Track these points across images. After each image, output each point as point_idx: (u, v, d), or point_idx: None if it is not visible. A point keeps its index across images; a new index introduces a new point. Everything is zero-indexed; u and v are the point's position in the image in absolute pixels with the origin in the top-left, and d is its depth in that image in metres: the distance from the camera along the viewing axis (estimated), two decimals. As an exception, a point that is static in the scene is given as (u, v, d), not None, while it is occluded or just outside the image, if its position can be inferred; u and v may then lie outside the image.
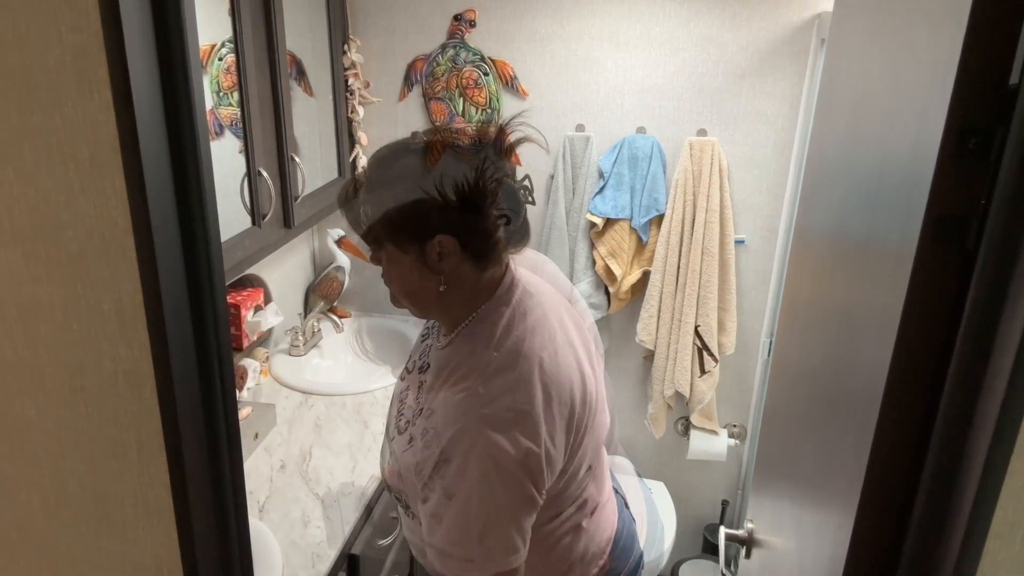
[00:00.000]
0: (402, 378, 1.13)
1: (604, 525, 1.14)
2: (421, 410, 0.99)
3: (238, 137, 1.50)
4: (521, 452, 0.88)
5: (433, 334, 1.09)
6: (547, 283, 1.09)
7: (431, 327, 1.13)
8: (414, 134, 0.97)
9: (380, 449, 1.13)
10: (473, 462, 0.87)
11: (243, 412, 1.65)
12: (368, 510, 1.48)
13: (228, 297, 1.79)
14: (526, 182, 0.97)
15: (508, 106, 2.20)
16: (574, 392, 0.95)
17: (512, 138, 0.94)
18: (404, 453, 0.98)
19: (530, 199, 0.97)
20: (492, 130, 0.94)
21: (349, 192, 0.97)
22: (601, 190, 2.14)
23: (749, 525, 1.27)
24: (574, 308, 1.12)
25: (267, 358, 2.03)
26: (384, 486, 1.10)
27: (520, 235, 0.99)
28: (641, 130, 2.14)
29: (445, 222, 0.91)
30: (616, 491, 1.24)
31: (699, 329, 2.13)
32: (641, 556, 1.24)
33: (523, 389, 0.90)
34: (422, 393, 1.02)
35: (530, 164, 2.24)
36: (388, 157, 0.96)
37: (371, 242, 0.97)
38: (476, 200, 0.90)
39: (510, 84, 2.17)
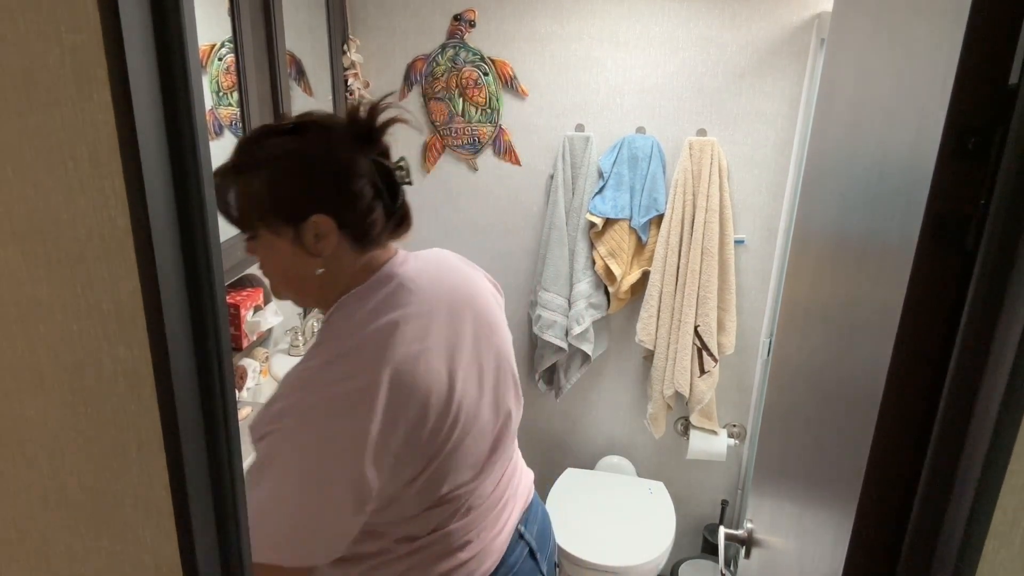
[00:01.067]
0: None
1: (482, 566, 1.04)
2: None
3: (238, 137, 1.50)
4: (346, 438, 0.83)
5: None
6: (460, 285, 1.03)
7: None
8: (283, 115, 0.95)
9: None
10: (288, 442, 0.83)
11: (243, 412, 1.65)
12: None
13: (228, 297, 1.79)
14: (401, 163, 0.95)
15: (508, 106, 2.20)
16: (430, 400, 0.89)
17: (382, 118, 0.93)
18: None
19: (407, 180, 0.95)
20: (363, 111, 0.92)
21: (215, 179, 0.92)
22: (601, 190, 2.14)
23: (749, 525, 1.27)
24: (494, 325, 1.06)
25: (267, 358, 2.03)
26: None
27: (400, 218, 0.97)
28: (641, 130, 2.14)
29: (319, 202, 0.89)
30: (531, 548, 1.13)
31: (699, 329, 2.13)
32: None
33: (364, 376, 0.85)
34: None
35: (530, 164, 2.24)
36: (255, 138, 0.93)
37: (245, 228, 0.94)
38: (350, 176, 0.89)
39: (510, 84, 2.17)
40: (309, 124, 0.92)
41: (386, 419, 0.85)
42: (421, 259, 1.02)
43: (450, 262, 1.07)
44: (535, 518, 1.18)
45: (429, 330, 0.92)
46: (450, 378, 0.92)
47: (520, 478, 1.17)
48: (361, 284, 0.94)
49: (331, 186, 0.90)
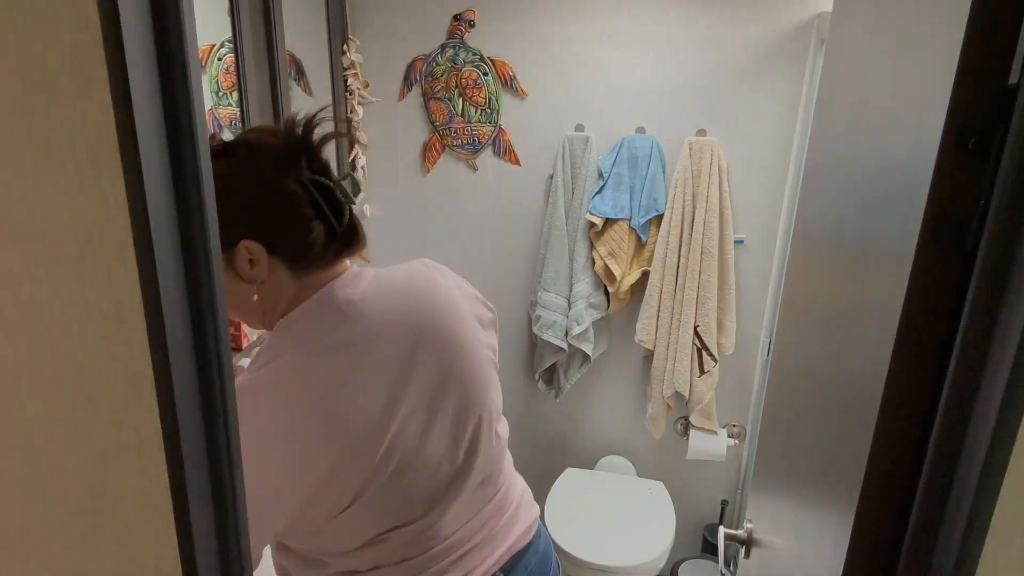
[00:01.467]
0: None
1: None
2: None
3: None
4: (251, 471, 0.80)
5: None
6: (422, 308, 0.94)
7: None
8: (212, 136, 0.89)
9: None
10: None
11: (243, 412, 1.65)
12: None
13: (228, 297, 1.79)
14: (345, 180, 0.90)
15: (508, 106, 2.20)
16: (350, 436, 0.83)
17: (317, 133, 0.88)
18: None
19: (349, 199, 0.89)
20: (298, 128, 0.87)
21: None
22: (600, 190, 2.14)
23: (748, 525, 1.27)
24: (463, 354, 0.96)
25: (267, 358, 2.03)
26: None
27: (348, 237, 0.91)
28: (640, 130, 2.14)
29: (246, 227, 0.84)
30: None
31: (698, 329, 2.13)
32: None
33: (272, 411, 0.81)
34: None
35: (529, 164, 2.24)
36: None
37: None
38: (278, 198, 0.85)
39: (509, 84, 2.17)
40: (238, 145, 0.87)
41: (277, 456, 0.81)
42: (381, 278, 0.94)
43: (417, 283, 0.96)
44: (526, 565, 1.06)
45: (363, 360, 0.86)
46: (384, 411, 0.86)
47: (511, 519, 1.07)
48: (299, 307, 0.89)
49: (257, 210, 0.85)
